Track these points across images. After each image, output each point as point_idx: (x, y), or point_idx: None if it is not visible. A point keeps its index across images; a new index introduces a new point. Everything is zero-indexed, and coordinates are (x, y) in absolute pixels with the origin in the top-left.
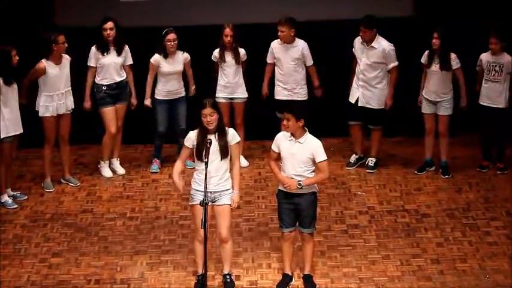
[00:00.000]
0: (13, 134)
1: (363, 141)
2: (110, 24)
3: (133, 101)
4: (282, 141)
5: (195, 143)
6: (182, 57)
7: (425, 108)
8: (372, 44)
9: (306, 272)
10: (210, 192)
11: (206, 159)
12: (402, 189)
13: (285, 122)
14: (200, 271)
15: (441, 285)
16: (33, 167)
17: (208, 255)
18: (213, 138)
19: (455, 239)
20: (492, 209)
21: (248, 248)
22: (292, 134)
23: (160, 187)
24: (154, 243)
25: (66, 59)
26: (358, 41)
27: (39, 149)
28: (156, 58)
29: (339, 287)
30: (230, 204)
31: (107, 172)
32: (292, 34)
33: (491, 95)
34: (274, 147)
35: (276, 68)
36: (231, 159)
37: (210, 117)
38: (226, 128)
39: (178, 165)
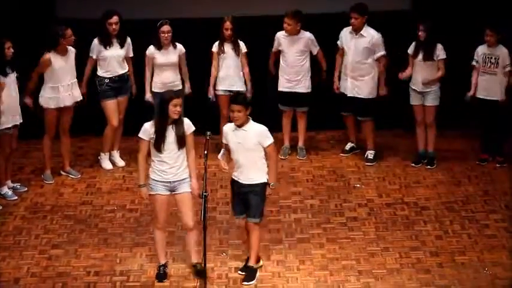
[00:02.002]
0: (12, 124)
1: (356, 130)
2: (115, 19)
3: (133, 90)
4: (228, 134)
5: (152, 135)
6: (177, 50)
7: (413, 100)
8: (361, 32)
9: (250, 264)
10: (170, 182)
11: (206, 152)
12: (401, 182)
13: (235, 115)
14: (162, 261)
15: (440, 277)
16: (33, 159)
17: (207, 247)
18: (170, 129)
19: (454, 232)
20: (491, 202)
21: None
22: (236, 125)
23: None
24: (153, 235)
25: (71, 51)
26: (345, 31)
27: (40, 141)
28: (150, 50)
29: (338, 280)
30: (191, 192)
31: (107, 164)
32: (298, 28)
33: (487, 88)
34: (224, 140)
35: (280, 59)
36: (186, 149)
37: (180, 107)
38: (182, 118)
39: (142, 164)
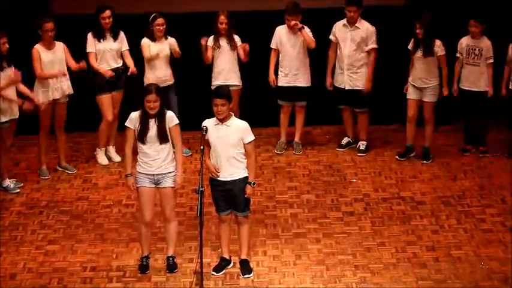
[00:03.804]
0: (8, 119)
1: (354, 125)
2: (108, 13)
3: (133, 68)
4: (209, 129)
5: (137, 125)
6: (168, 42)
7: (411, 94)
8: (356, 25)
9: (243, 257)
10: (153, 174)
11: (202, 147)
12: (397, 177)
13: (219, 108)
14: (145, 253)
15: (436, 272)
16: (28, 154)
17: (203, 242)
18: (152, 122)
19: (450, 227)
20: (487, 196)
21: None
22: (219, 119)
23: None
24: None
25: (60, 45)
26: (339, 25)
27: (35, 136)
28: (145, 41)
29: (334, 274)
30: (173, 187)
31: (103, 159)
32: (300, 20)
33: (470, 79)
34: (206, 136)
35: (280, 53)
36: (172, 142)
37: (154, 103)
38: (166, 111)
39: (129, 153)
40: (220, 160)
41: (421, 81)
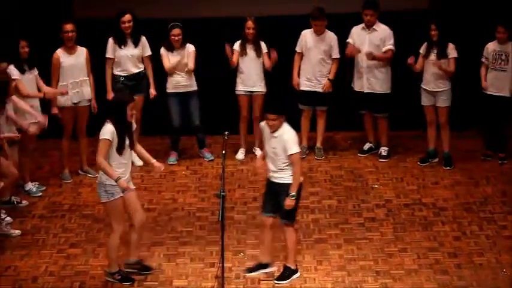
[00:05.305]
0: (32, 121)
1: (375, 131)
2: (128, 17)
3: (152, 91)
4: (265, 136)
5: (115, 136)
6: (185, 50)
7: (424, 100)
8: (374, 27)
9: (287, 264)
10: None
11: (224, 152)
12: (419, 183)
13: (270, 123)
14: (118, 268)
15: (458, 278)
16: (51, 158)
17: (225, 247)
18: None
19: (472, 233)
20: (509, 202)
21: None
22: (271, 132)
23: (178, 179)
24: (171, 234)
25: (82, 49)
26: (357, 29)
27: (58, 140)
28: (163, 52)
29: (355, 280)
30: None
31: None
32: (325, 25)
33: (496, 84)
34: (263, 138)
35: (303, 57)
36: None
37: (134, 110)
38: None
39: (107, 163)
40: (273, 165)
41: (434, 84)
